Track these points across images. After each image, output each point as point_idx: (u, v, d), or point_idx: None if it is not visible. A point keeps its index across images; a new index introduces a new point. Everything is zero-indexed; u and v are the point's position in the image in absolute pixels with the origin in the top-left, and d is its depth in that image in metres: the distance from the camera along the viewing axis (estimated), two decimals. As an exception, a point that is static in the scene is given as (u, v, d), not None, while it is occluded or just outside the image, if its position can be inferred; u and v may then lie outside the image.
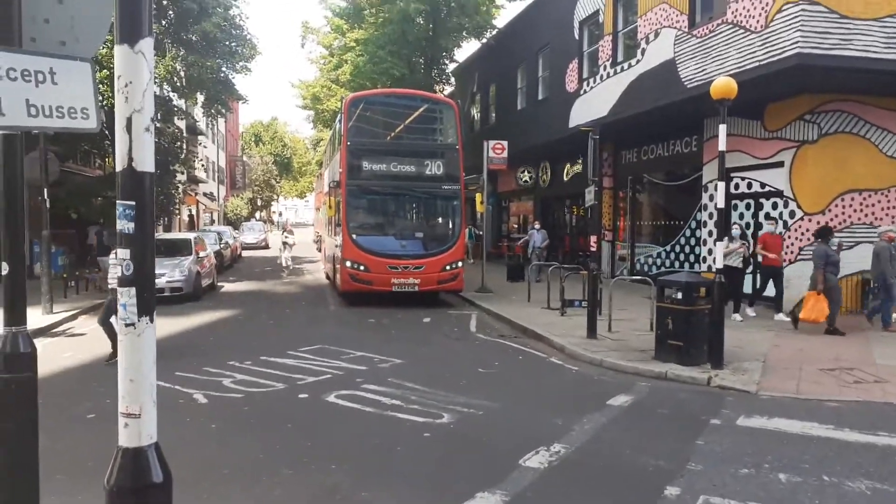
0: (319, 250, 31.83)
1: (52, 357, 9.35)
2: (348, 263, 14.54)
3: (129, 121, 1.79)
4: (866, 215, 12.95)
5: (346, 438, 5.95)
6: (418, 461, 5.39)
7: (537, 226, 20.01)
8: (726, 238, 11.59)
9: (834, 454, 5.54)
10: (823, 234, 11.20)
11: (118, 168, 1.82)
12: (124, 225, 1.80)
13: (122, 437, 1.85)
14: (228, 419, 6.51)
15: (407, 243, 14.97)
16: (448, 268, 14.75)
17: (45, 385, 7.50)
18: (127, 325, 1.82)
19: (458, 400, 7.11)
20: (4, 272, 2.82)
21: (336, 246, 16.39)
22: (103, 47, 11.88)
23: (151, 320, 1.85)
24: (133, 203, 1.81)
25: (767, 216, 13.62)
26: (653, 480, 4.94)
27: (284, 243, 28.46)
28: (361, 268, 14.42)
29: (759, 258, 12.62)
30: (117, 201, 1.83)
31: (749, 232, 14.25)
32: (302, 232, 67.68)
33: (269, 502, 4.52)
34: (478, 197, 17.41)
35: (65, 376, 8.47)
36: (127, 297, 1.81)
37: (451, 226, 15.63)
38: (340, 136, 15.71)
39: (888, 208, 13.01)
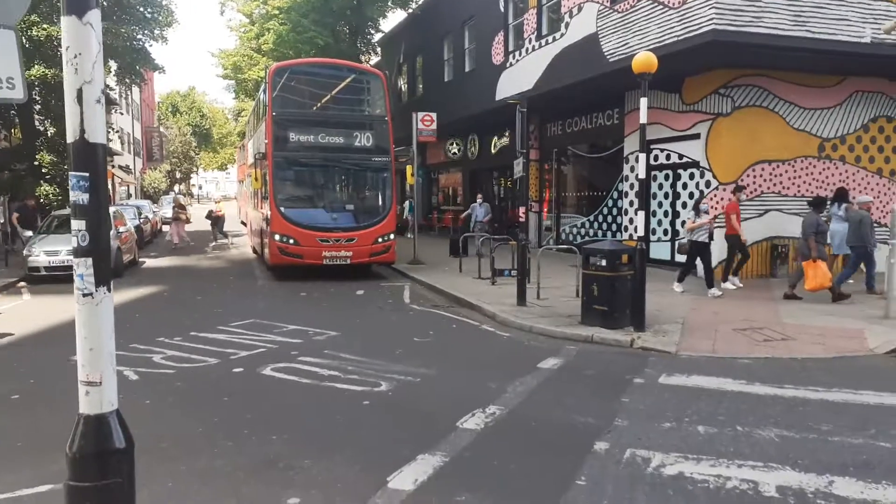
0: (244, 223, 31.16)
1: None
2: (277, 237, 14.28)
3: (79, 92, 1.78)
4: (775, 185, 13.73)
5: (284, 409, 6.00)
6: (358, 428, 5.50)
7: (479, 199, 19.81)
8: (692, 213, 11.75)
9: (746, 407, 5.98)
10: (817, 203, 11.35)
11: (70, 139, 1.81)
12: (78, 196, 1.80)
13: (83, 405, 1.87)
14: (162, 395, 6.43)
15: (338, 216, 14.75)
16: (380, 240, 14.68)
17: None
18: (84, 296, 1.83)
19: (394, 368, 7.24)
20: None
21: (263, 219, 16.11)
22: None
23: (109, 290, 1.86)
24: (87, 174, 1.81)
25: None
26: (583, 436, 5.22)
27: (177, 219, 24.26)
28: (291, 241, 14.18)
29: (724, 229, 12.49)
30: (70, 173, 1.82)
31: (668, 201, 14.89)
32: (224, 206, 65.82)
33: (212, 473, 4.53)
34: (408, 169, 17.30)
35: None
36: (84, 268, 1.82)
37: (382, 198, 15.45)
38: (265, 106, 15.37)
39: (794, 177, 13.84)
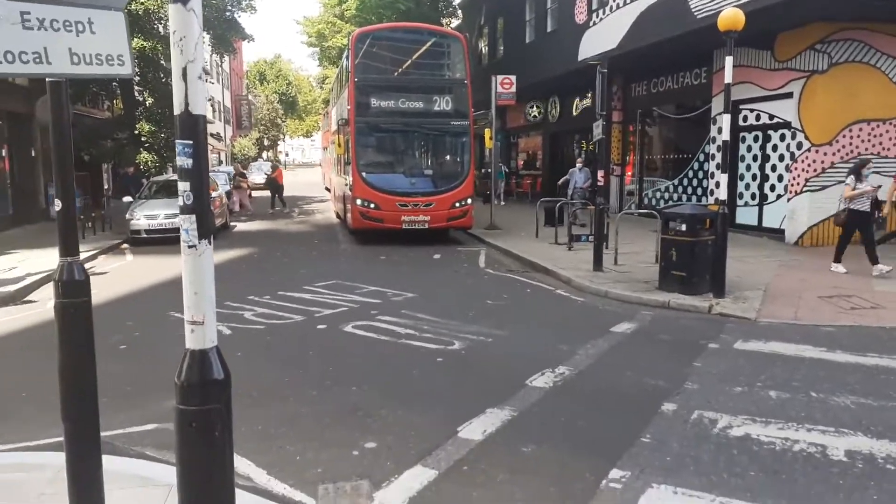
0: (328, 189, 32.00)
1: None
2: (359, 202, 14.60)
3: (184, 70, 2.05)
4: (874, 146, 12.99)
5: (364, 364, 6.34)
6: (432, 383, 5.78)
7: (580, 163, 18.42)
8: (852, 177, 10.15)
9: (824, 374, 5.87)
10: None
11: (176, 112, 2.08)
12: (184, 161, 2.09)
13: (189, 341, 2.19)
14: (253, 348, 6.91)
15: (416, 181, 14.96)
16: (458, 205, 14.78)
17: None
18: (189, 247, 2.12)
19: (468, 329, 7.47)
20: (57, 208, 3.10)
21: (346, 185, 16.46)
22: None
23: (210, 242, 2.16)
24: (191, 142, 2.09)
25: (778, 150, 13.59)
26: (651, 398, 5.30)
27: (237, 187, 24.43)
28: (372, 206, 14.47)
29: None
30: (177, 141, 2.11)
31: (756, 164, 14.35)
32: (308, 172, 67.70)
33: (298, 418, 4.91)
34: (486, 132, 17.13)
35: (95, 312, 8.86)
36: (188, 224, 2.12)
37: (460, 162, 15.51)
38: (348, 72, 15.63)
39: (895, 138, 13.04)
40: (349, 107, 15.21)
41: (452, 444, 4.42)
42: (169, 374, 6.33)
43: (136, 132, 19.71)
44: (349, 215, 15.82)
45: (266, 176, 26.30)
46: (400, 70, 15.89)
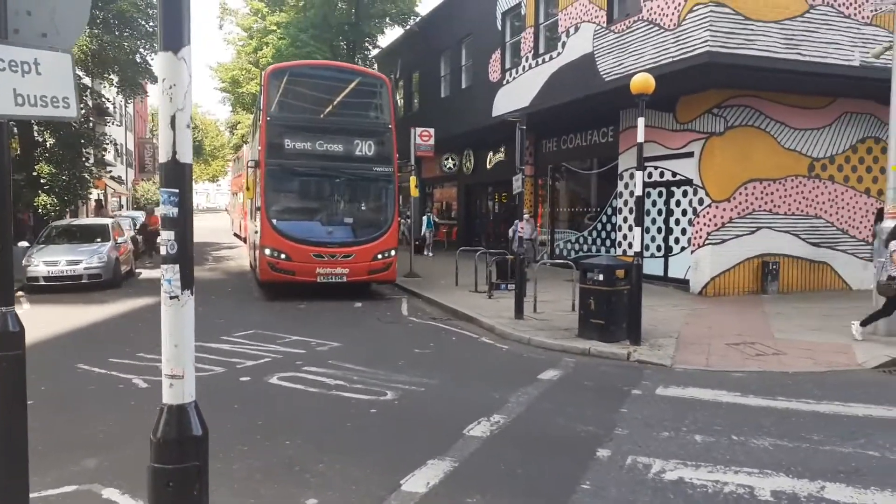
0: (237, 236, 31.23)
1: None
2: (268, 251, 13.38)
3: (172, 118, 2.01)
4: (766, 203, 14.06)
5: (294, 416, 6.16)
6: (368, 434, 5.68)
7: (527, 214, 17.82)
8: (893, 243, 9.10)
9: (740, 417, 6.20)
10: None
11: (162, 160, 2.04)
12: (168, 210, 2.03)
13: (167, 396, 2.10)
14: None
15: (334, 229, 13.87)
16: (380, 256, 13.78)
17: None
18: (171, 298, 2.05)
19: (398, 378, 7.42)
20: (-8, 254, 2.92)
21: (255, 231, 15.52)
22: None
23: (192, 293, 2.09)
24: (177, 191, 2.04)
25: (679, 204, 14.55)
26: (585, 444, 5.42)
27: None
28: (283, 256, 13.30)
29: None
30: (161, 189, 2.05)
31: (661, 218, 15.19)
32: (214, 217, 65.86)
33: (230, 476, 4.69)
34: (412, 181, 16.72)
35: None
36: (171, 274, 2.05)
37: (383, 211, 14.45)
38: (260, 110, 14.69)
39: (785, 196, 14.17)
40: (260, 147, 14.17)
41: (396, 499, 4.35)
42: (82, 430, 5.98)
43: (35, 173, 18.65)
44: (258, 266, 14.60)
45: (142, 224, 22.73)
46: (319, 110, 14.78)
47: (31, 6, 3.00)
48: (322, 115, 14.58)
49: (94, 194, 35.76)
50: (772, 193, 14.08)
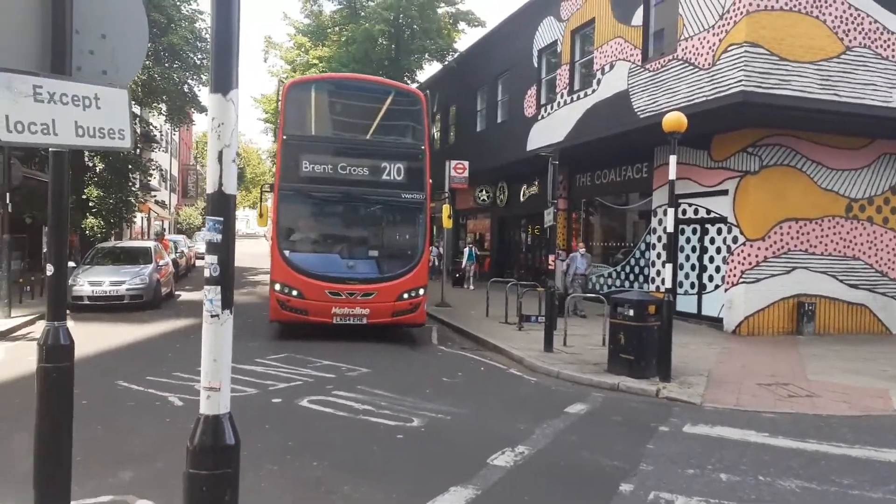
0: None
1: (18, 360, 9.42)
2: (277, 287, 11.73)
3: (220, 154, 2.23)
4: (802, 242, 13.91)
5: (323, 439, 6.30)
6: (394, 459, 5.78)
7: (581, 249, 17.02)
8: None
9: (769, 458, 6.14)
10: None
11: (209, 191, 2.25)
12: (213, 236, 2.24)
13: (204, 407, 2.27)
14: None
15: (355, 264, 12.22)
16: (406, 296, 11.93)
17: (21, 386, 7.64)
18: (212, 317, 2.24)
19: (426, 406, 7.51)
20: (49, 273, 3.14)
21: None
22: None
23: (231, 312, 2.27)
24: (221, 219, 2.24)
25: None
26: (609, 478, 5.44)
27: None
28: (294, 293, 11.63)
29: None
30: (207, 217, 2.26)
31: (695, 255, 15.11)
32: (253, 243, 67.07)
33: (258, 494, 4.83)
34: (445, 210, 15.21)
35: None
36: (213, 294, 2.24)
37: (411, 243, 12.67)
38: (277, 128, 13.41)
39: (821, 236, 14.01)
40: (275, 168, 13.00)
41: (419, 522, 4.44)
42: (119, 444, 6.21)
43: (84, 196, 19.38)
44: (269, 303, 12.48)
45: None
46: (343, 129, 13.41)
47: (93, 46, 3.28)
48: (347, 135, 13.22)
49: (143, 222, 36.79)
50: (808, 233, 13.94)
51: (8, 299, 12.99)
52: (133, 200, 21.65)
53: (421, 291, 12.16)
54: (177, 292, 19.75)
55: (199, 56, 21.25)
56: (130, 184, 21.57)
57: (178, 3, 19.68)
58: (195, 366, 9.14)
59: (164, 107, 23.44)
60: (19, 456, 4.91)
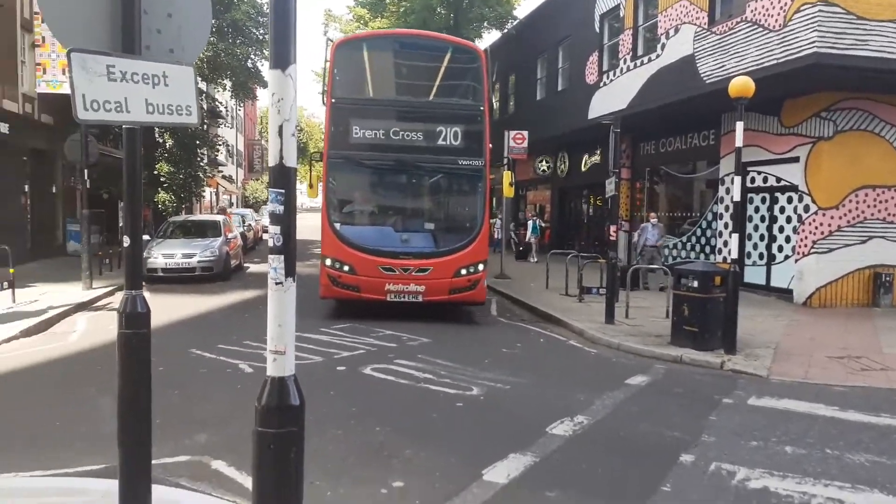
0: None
1: (100, 329, 9.98)
2: (328, 262, 11.15)
3: (280, 128, 2.32)
4: (880, 211, 13.29)
5: (385, 405, 6.48)
6: (453, 426, 5.91)
7: (654, 219, 16.23)
8: None
9: (837, 432, 5.99)
10: None
11: (271, 163, 2.35)
12: (275, 207, 2.35)
13: (271, 369, 2.40)
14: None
15: (409, 237, 11.45)
16: (465, 272, 11.11)
17: (103, 354, 8.11)
18: (276, 284, 2.35)
19: (485, 375, 7.61)
20: (126, 245, 3.32)
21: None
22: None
23: (294, 280, 2.38)
24: (283, 191, 2.35)
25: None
26: (669, 448, 5.42)
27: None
28: (346, 268, 11.00)
29: None
30: (269, 189, 2.37)
31: (764, 225, 14.63)
32: (316, 217, 68.34)
33: (325, 456, 5.02)
34: (506, 177, 14.25)
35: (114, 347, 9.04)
36: (277, 263, 2.36)
37: (470, 215, 11.80)
38: (325, 92, 11.88)
39: (901, 204, 13.33)
40: (324, 135, 11.99)
41: (478, 487, 4.54)
42: (194, 408, 6.50)
43: (156, 172, 20.15)
44: (320, 279, 11.71)
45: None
46: (396, 90, 12.47)
47: (160, 25, 3.40)
48: (400, 97, 12.34)
49: (212, 196, 37.94)
50: (886, 201, 13.28)
51: (89, 271, 13.68)
52: (202, 175, 22.37)
53: (481, 267, 11.30)
54: (245, 264, 20.40)
55: (262, 31, 21.58)
56: (199, 159, 22.26)
57: (241, -20, 20.04)
58: (264, 334, 9.46)
59: (228, 83, 23.99)
60: (105, 418, 5.24)
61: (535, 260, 22.44)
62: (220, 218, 19.43)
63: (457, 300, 11.42)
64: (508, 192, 14.70)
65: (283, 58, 2.30)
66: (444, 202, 12.63)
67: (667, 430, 5.88)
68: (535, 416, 6.10)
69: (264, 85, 25.08)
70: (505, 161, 18.36)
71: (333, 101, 11.30)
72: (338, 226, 11.30)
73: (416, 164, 11.77)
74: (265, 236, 33.39)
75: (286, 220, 2.35)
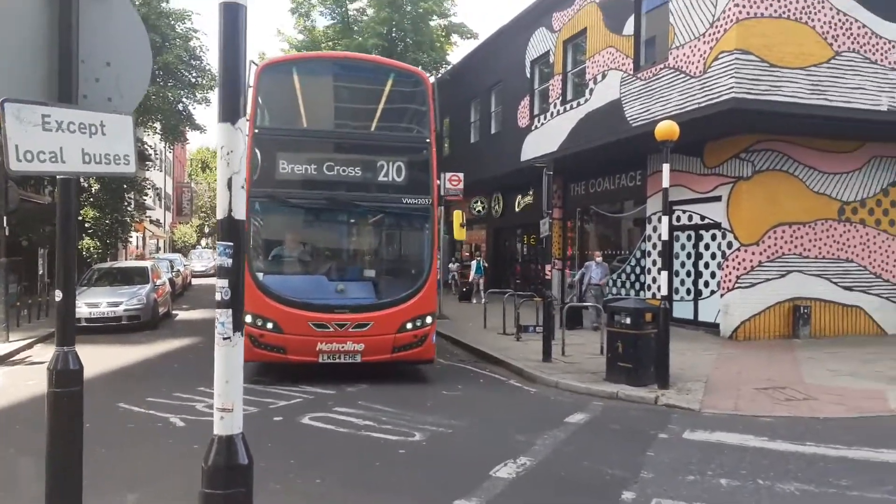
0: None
1: (18, 385, 9.44)
2: (248, 318, 9.14)
3: (229, 181, 2.31)
4: (796, 246, 14.02)
5: (326, 455, 6.34)
6: (397, 474, 5.83)
7: (598, 258, 16.12)
8: None
9: (767, 462, 6.20)
10: None
11: (219, 216, 2.33)
12: (223, 260, 2.32)
13: (217, 427, 2.33)
14: (208, 440, 6.78)
15: (345, 286, 9.97)
16: (410, 325, 9.64)
17: (22, 411, 7.66)
18: (224, 339, 2.30)
19: (426, 420, 7.56)
20: (59, 299, 3.20)
21: None
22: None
23: (241, 335, 2.34)
24: (231, 244, 2.32)
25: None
26: (611, 487, 5.49)
27: None
28: (269, 326, 9.27)
29: None
30: (218, 242, 2.34)
31: (690, 261, 15.20)
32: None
33: (263, 512, 4.87)
34: (457, 217, 12.85)
35: (35, 403, 8.56)
36: (224, 317, 2.31)
37: (416, 259, 10.51)
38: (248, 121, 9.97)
39: (815, 239, 14.12)
40: (245, 170, 8.77)
41: (424, 535, 4.48)
42: (124, 466, 6.23)
43: (80, 218, 19.42)
44: None
45: None
46: (329, 119, 10.99)
47: (98, 74, 3.36)
48: (334, 127, 10.91)
49: (138, 241, 36.80)
50: (802, 237, 14.05)
51: (6, 323, 12.99)
52: (129, 220, 21.69)
53: (429, 320, 9.84)
54: (174, 311, 19.77)
55: (194, 74, 21.37)
56: (126, 204, 21.62)
57: (172, 23, 19.82)
58: (195, 385, 9.18)
59: (158, 125, 23.57)
60: (28, 479, 4.95)
61: (484, 300, 21.51)
62: (147, 264, 18.83)
63: (401, 359, 9.93)
64: (459, 233, 13.29)
65: (232, 111, 2.32)
66: (387, 246, 11.32)
67: (607, 468, 5.96)
68: (479, 460, 6.08)
69: (196, 128, 24.78)
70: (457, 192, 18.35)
71: (257, 131, 9.66)
72: (260, 276, 9.57)
73: (353, 203, 10.37)
74: (195, 282, 32.54)
75: (235, 273, 2.33)
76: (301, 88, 10.37)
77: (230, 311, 2.32)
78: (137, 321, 15.36)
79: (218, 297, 2.34)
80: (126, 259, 32.34)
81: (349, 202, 10.34)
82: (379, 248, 11.22)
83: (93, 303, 15.11)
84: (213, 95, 42.94)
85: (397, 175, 10.09)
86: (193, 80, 21.54)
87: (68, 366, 3.16)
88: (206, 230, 72.60)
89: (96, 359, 11.57)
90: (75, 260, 3.29)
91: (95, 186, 20.74)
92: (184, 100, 22.02)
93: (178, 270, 27.14)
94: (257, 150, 9.67)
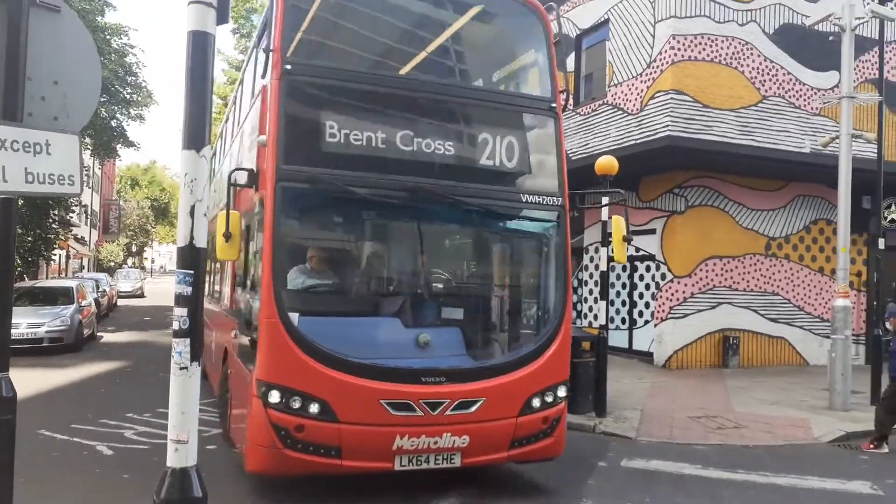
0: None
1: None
2: (274, 395, 5.15)
3: (192, 208, 2.25)
4: (726, 279, 14.58)
5: (264, 482, 6.13)
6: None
7: None
8: None
9: (702, 490, 6.38)
10: None
11: (180, 244, 2.26)
12: (183, 289, 2.24)
13: (171, 460, 2.23)
14: (140, 470, 6.49)
15: (432, 336, 5.94)
16: (538, 402, 5.85)
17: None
18: (181, 369, 2.22)
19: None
20: (-8, 323, 3.03)
21: (234, 336, 6.74)
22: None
23: (199, 364, 2.26)
24: (192, 272, 2.25)
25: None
26: (553, 516, 5.51)
27: None
28: (314, 408, 5.18)
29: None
30: (178, 270, 2.25)
31: (625, 291, 15.59)
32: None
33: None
34: (616, 227, 8.05)
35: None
36: (182, 347, 2.23)
37: (542, 294, 6.61)
38: (261, 68, 5.92)
39: (744, 273, 14.72)
40: (266, 136, 5.55)
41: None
42: (47, 498, 5.93)
43: (0, 234, 18.46)
44: (245, 429, 5.62)
45: None
46: (401, 62, 6.93)
47: (45, 92, 3.24)
48: (405, 77, 6.60)
49: (62, 260, 35.24)
50: (731, 270, 14.62)
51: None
52: (52, 237, 20.74)
53: (561, 392, 6.01)
54: (99, 333, 18.93)
55: (129, 91, 20.77)
56: (49, 220, 20.69)
57: (107, 38, 19.22)
58: (123, 412, 8.79)
59: (89, 141, 22.77)
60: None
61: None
62: (72, 283, 17.99)
63: (520, 459, 6.06)
64: (621, 254, 8.36)
65: (197, 140, 2.28)
66: (498, 271, 7.31)
67: (552, 499, 5.99)
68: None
69: (130, 144, 24.01)
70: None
71: (288, 67, 5.42)
72: (295, 318, 5.30)
73: (445, 201, 5.90)
74: (121, 303, 31.32)
75: (194, 301, 2.27)
76: (353, 19, 6.66)
77: (188, 339, 2.25)
78: (60, 343, 14.63)
79: (176, 325, 2.26)
80: (48, 278, 30.86)
81: (438, 198, 5.84)
82: (484, 274, 7.39)
83: (12, 323, 14.28)
84: (148, 112, 41.72)
85: (507, 157, 6.11)
86: (128, 96, 20.93)
87: (0, 392, 2.98)
88: (134, 249, 70.22)
89: (15, 383, 10.96)
90: (13, 283, 3.12)
91: (20, 201, 19.77)
92: (118, 116, 21.35)
93: (104, 290, 26.08)
94: (289, 102, 5.49)
